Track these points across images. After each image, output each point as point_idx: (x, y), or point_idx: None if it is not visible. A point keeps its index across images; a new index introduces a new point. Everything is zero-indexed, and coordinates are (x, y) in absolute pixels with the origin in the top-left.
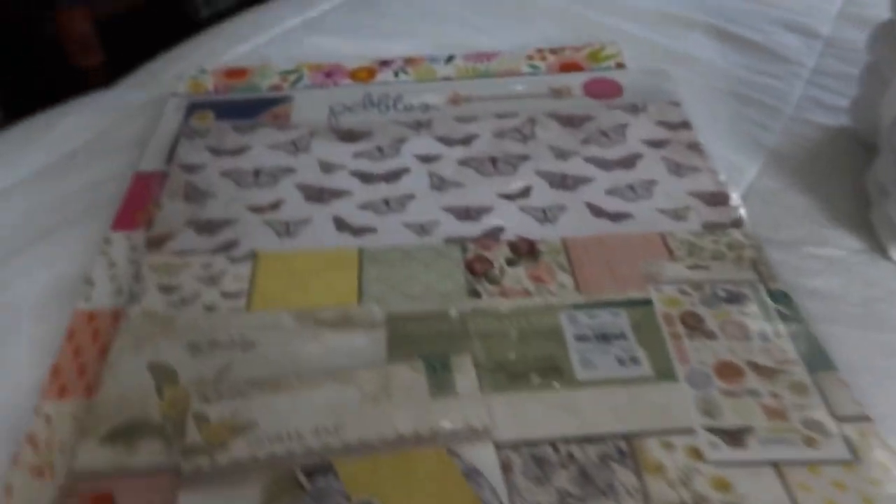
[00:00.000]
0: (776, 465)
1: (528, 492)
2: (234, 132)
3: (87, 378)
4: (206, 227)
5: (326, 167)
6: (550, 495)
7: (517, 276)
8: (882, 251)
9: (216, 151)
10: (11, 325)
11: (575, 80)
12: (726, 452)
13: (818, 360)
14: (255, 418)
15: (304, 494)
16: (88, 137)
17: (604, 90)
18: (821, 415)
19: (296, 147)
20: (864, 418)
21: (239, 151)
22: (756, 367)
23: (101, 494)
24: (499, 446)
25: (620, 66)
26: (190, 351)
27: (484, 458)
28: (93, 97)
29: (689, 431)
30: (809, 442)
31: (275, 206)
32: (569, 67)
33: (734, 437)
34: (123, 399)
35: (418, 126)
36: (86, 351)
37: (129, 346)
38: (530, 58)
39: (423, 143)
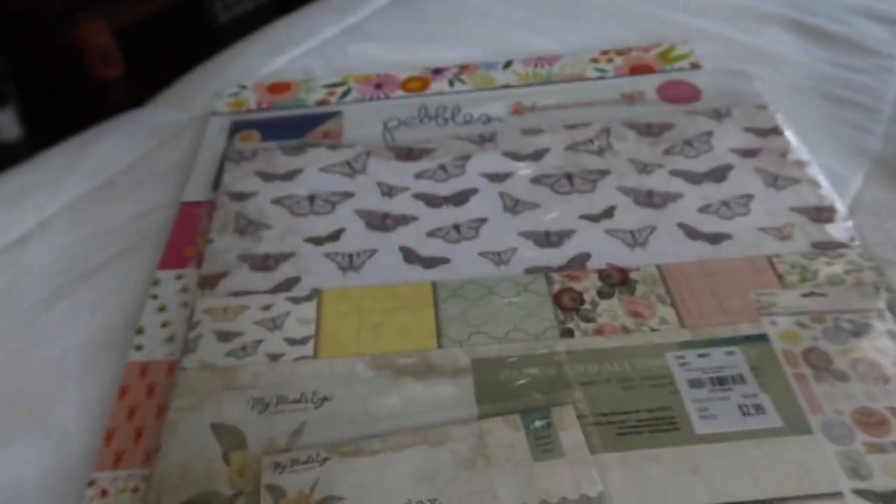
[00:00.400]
0: None
1: None
2: (282, 154)
3: (145, 443)
4: (263, 263)
5: (387, 190)
6: None
7: (612, 310)
8: None
9: (266, 176)
10: (58, 382)
11: (648, 84)
12: None
13: None
14: (337, 490)
15: None
16: (127, 163)
17: (680, 94)
18: None
19: (352, 168)
20: None
21: (290, 175)
22: None
23: None
24: None
25: (695, 66)
26: (256, 408)
27: None
28: (127, 117)
29: (836, 496)
30: None
31: (335, 236)
32: (639, 70)
33: (889, 500)
34: (186, 469)
35: (482, 140)
36: (141, 410)
37: (188, 406)
38: (595, 60)
39: (489, 160)
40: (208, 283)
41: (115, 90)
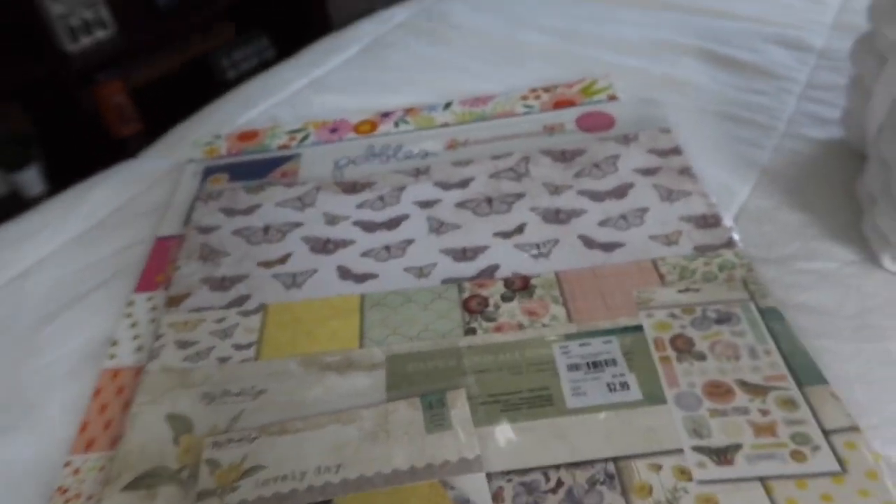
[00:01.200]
0: (764, 481)
1: None
2: (245, 192)
3: (112, 431)
4: (220, 285)
5: (331, 219)
6: None
7: (512, 311)
8: (875, 261)
9: (229, 212)
10: (46, 387)
11: (568, 116)
12: (714, 471)
13: (808, 374)
14: (262, 461)
15: None
16: (116, 206)
17: (596, 123)
18: (809, 429)
19: (302, 203)
20: (853, 429)
21: (250, 210)
22: (745, 386)
23: None
24: (491, 476)
25: (613, 98)
26: (204, 401)
27: (476, 487)
28: (121, 167)
29: (676, 452)
30: (797, 456)
31: (283, 260)
32: (562, 104)
33: (722, 455)
34: (143, 449)
35: (417, 173)
36: (111, 407)
37: (148, 401)
38: (525, 98)
39: (422, 190)
40: (173, 302)
41: (133, 145)
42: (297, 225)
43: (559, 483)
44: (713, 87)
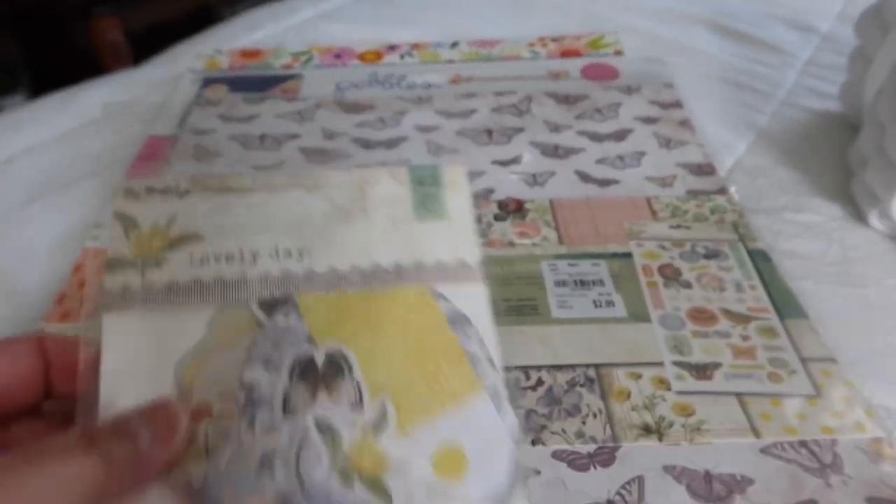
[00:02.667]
0: (740, 397)
1: None
2: (244, 103)
3: (87, 306)
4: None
5: (329, 134)
6: (518, 413)
7: (504, 230)
8: (861, 218)
9: (226, 118)
10: (26, 261)
11: (573, 65)
12: (692, 384)
13: (790, 309)
14: (199, 229)
15: (260, 333)
16: (110, 107)
17: (601, 74)
18: (787, 355)
19: (301, 117)
20: (830, 360)
21: (248, 119)
22: (728, 314)
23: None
24: None
25: (619, 53)
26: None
27: (474, 302)
28: (120, 74)
29: (657, 364)
30: (774, 378)
31: (277, 165)
32: (568, 54)
33: (701, 370)
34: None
35: (419, 101)
36: (89, 283)
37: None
38: (532, 45)
39: (423, 116)
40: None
41: None
42: (295, 136)
43: (539, 381)
44: (719, 55)
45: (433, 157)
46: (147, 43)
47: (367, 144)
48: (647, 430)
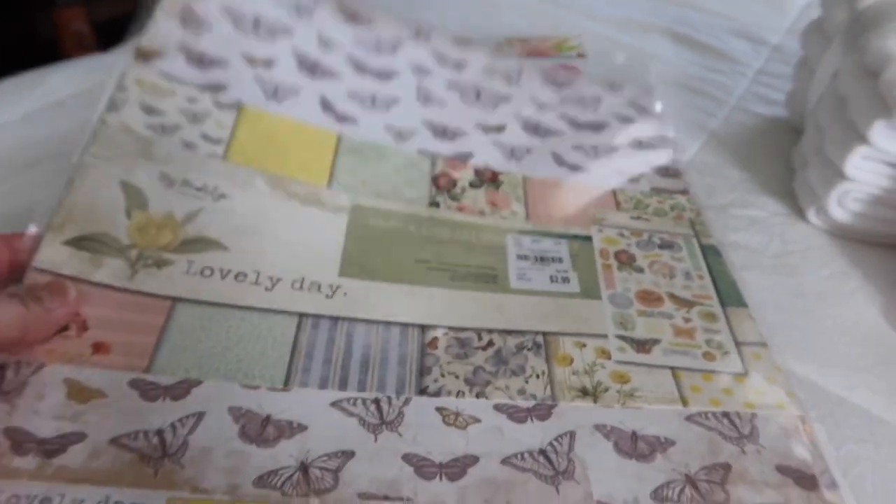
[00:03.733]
0: (674, 371)
1: (447, 364)
2: None
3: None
4: (198, 60)
5: (325, 43)
6: (466, 369)
7: (476, 197)
8: (800, 215)
9: None
10: None
11: (539, 65)
12: (631, 355)
13: (732, 298)
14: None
15: None
16: (77, 89)
17: (567, 75)
18: (723, 338)
19: (298, 10)
20: (762, 344)
21: None
22: (674, 298)
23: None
24: (428, 327)
25: (581, 56)
26: (163, 182)
27: None
28: (88, 58)
29: (601, 336)
30: (708, 356)
31: (268, 63)
32: (534, 54)
33: (641, 345)
34: (93, 209)
35: (418, 33)
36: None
37: (102, 156)
38: (499, 46)
39: (418, 54)
40: (144, 55)
41: None
42: (289, 32)
43: (490, 343)
44: (676, 62)
45: (420, 102)
46: (113, 35)
47: (359, 67)
48: (584, 392)
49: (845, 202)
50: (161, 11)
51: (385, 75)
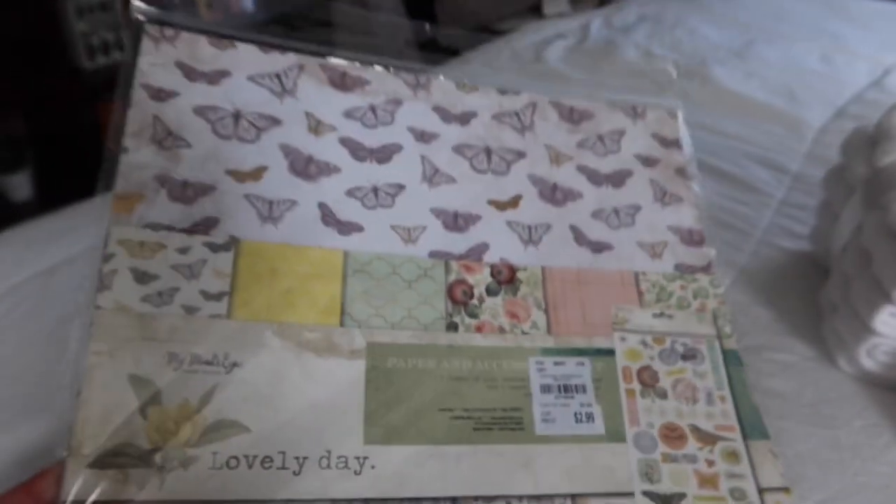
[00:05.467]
0: None
1: None
2: (208, 44)
3: None
4: (182, 193)
5: (315, 125)
6: None
7: (495, 309)
8: (831, 360)
9: (188, 71)
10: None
11: None
12: None
13: (754, 428)
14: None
15: None
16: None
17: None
18: (747, 484)
19: (282, 86)
20: (784, 490)
21: (215, 78)
22: (697, 432)
23: None
24: (460, 500)
25: None
26: (172, 364)
27: None
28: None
29: (628, 495)
30: None
31: (257, 175)
32: None
33: (667, 502)
34: (106, 417)
35: (416, 86)
36: None
37: (106, 352)
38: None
39: (419, 112)
40: (123, 205)
41: None
42: (276, 122)
43: None
44: (701, 193)
45: (427, 183)
46: None
47: (356, 152)
48: None
49: (875, 354)
50: (130, 137)
51: (385, 154)
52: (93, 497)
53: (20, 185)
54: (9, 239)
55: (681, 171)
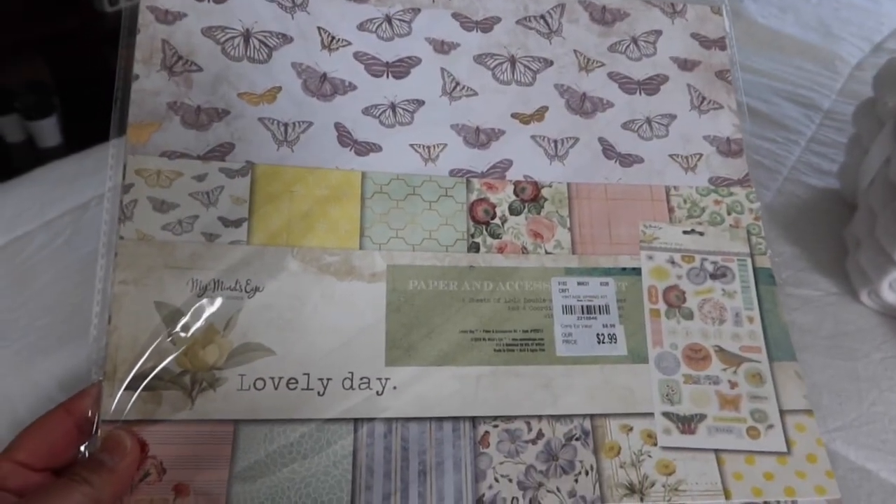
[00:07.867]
0: (718, 453)
1: (500, 465)
2: None
3: None
4: (195, 118)
5: (328, 40)
6: (518, 470)
7: (517, 228)
8: (854, 295)
9: None
10: None
11: None
12: (677, 439)
13: (782, 348)
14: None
15: None
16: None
17: None
18: (769, 406)
19: (293, 0)
20: (807, 412)
21: None
22: (722, 353)
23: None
24: (477, 420)
25: None
26: (195, 290)
27: None
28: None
29: (648, 416)
30: (752, 433)
31: (271, 96)
32: None
33: (687, 423)
34: (136, 342)
35: None
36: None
37: (131, 280)
38: None
39: (437, 20)
40: (138, 135)
41: None
42: (287, 40)
43: (539, 434)
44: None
45: (448, 97)
46: None
47: (372, 67)
48: (631, 489)
49: None
50: (140, 64)
51: (402, 67)
52: (128, 416)
53: (49, 131)
54: (40, 177)
55: (722, 75)
